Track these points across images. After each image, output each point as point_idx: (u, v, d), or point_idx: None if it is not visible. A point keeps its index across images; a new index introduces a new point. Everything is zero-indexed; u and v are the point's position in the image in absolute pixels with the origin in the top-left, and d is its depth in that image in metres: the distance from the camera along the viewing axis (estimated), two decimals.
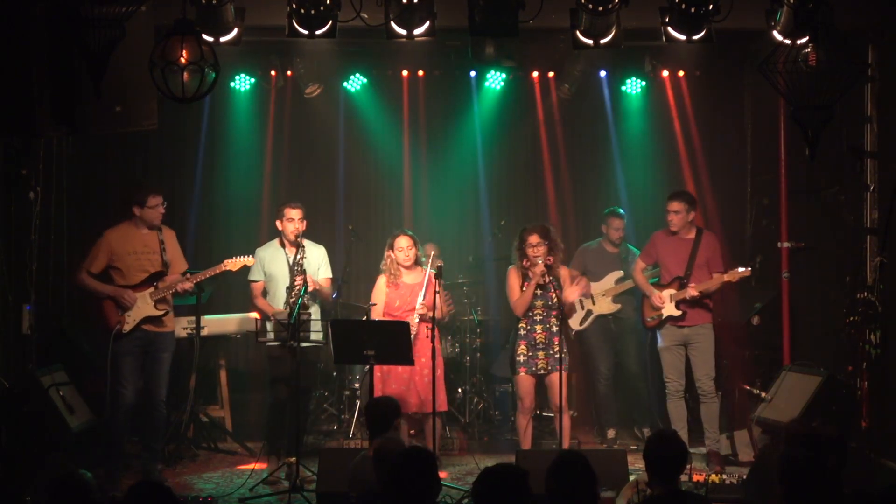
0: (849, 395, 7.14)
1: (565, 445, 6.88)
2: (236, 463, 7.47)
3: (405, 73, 9.04)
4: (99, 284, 6.79)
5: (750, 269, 7.29)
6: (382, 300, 7.09)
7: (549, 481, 3.90)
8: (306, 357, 6.93)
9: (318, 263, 7.20)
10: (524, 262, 6.88)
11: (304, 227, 7.09)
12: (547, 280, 6.85)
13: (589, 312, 8.17)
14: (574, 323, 8.16)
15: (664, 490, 4.23)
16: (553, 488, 3.88)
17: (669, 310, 7.25)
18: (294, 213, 7.08)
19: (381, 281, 7.13)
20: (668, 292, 7.28)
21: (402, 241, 7.01)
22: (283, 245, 7.16)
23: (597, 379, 8.24)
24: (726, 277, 7.17)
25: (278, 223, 7.13)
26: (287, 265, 7.06)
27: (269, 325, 7.05)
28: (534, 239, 6.85)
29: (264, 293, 7.18)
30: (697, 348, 7.26)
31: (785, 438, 4.87)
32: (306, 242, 7.06)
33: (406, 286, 7.03)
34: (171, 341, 7.02)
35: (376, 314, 7.11)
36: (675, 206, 7.28)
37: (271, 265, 7.14)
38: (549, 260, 6.82)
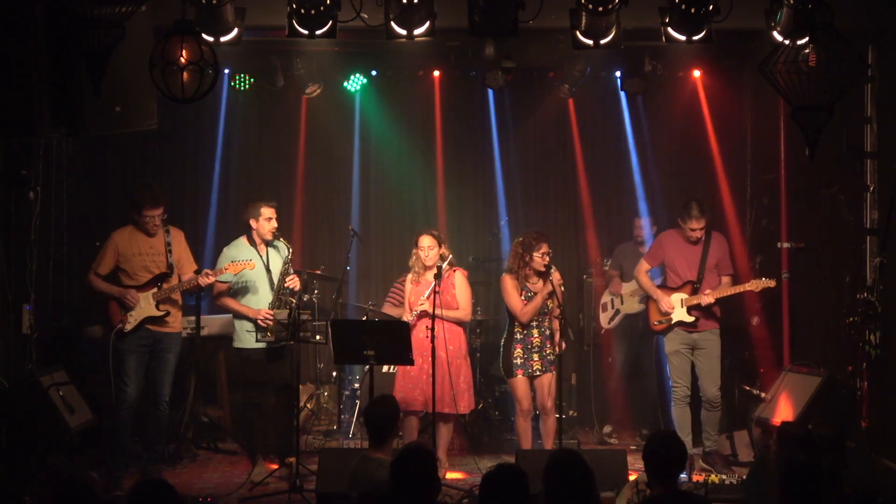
0: (849, 395, 7.14)
1: (548, 447, 6.91)
2: (236, 463, 7.47)
3: (405, 73, 9.04)
4: (106, 285, 6.86)
5: (775, 281, 7.12)
6: (408, 298, 7.17)
7: (546, 480, 3.91)
8: (292, 355, 6.89)
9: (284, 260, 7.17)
10: (527, 270, 6.89)
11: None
12: (541, 286, 6.93)
13: (617, 311, 8.24)
14: (603, 321, 8.31)
15: (664, 490, 4.23)
16: (550, 487, 3.89)
17: (680, 315, 7.11)
18: (272, 212, 7.05)
19: (409, 278, 7.20)
20: (678, 296, 7.14)
21: (424, 241, 7.04)
22: (251, 243, 7.09)
23: (609, 374, 8.29)
24: (749, 287, 7.06)
25: (253, 222, 7.04)
26: (262, 264, 7.03)
27: (250, 326, 6.98)
28: (545, 248, 6.88)
29: (233, 294, 7.10)
30: (705, 355, 7.16)
31: (778, 439, 4.87)
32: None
33: (426, 283, 7.07)
34: (177, 342, 7.04)
35: (406, 311, 7.13)
36: (702, 223, 7.06)
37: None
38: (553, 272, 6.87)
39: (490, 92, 9.04)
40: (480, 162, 9.32)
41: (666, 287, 7.27)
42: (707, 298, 7.03)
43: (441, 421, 6.99)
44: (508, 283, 6.96)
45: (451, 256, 7.03)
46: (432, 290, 6.81)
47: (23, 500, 5.11)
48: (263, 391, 7.10)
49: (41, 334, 7.14)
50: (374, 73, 8.96)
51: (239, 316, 7.06)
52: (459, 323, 7.11)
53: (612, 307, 8.32)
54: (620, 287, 8.29)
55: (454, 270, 7.08)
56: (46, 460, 6.09)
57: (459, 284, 7.08)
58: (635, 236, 8.41)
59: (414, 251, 7.11)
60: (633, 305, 8.22)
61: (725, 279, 7.20)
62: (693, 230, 7.10)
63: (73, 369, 7.01)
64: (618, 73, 8.73)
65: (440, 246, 7.03)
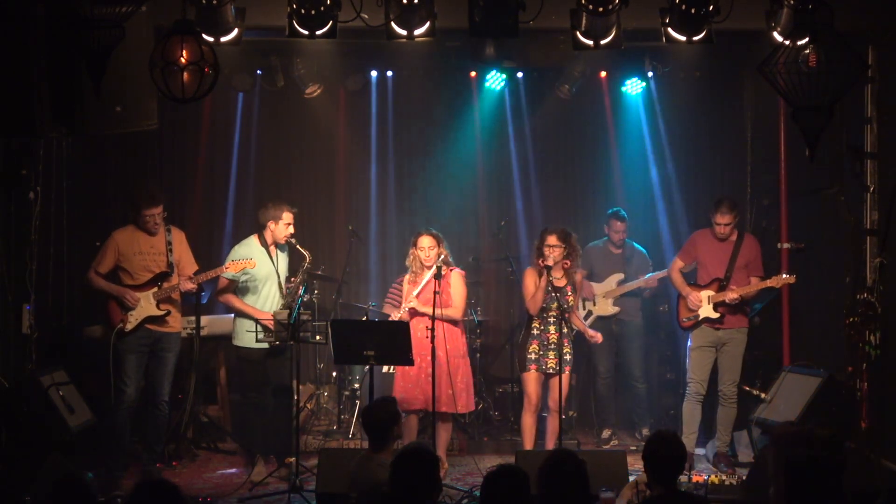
0: (849, 395, 7.14)
1: (550, 446, 6.91)
2: (236, 463, 7.47)
3: (405, 73, 9.04)
4: (106, 284, 6.86)
5: (795, 277, 7.18)
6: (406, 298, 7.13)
7: (541, 481, 3.92)
8: (292, 355, 6.87)
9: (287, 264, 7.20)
10: (539, 261, 6.91)
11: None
12: (564, 283, 6.98)
13: (589, 313, 8.19)
14: (576, 322, 8.21)
15: (664, 490, 4.23)
16: (545, 488, 3.90)
17: (706, 311, 7.20)
18: (291, 218, 7.08)
19: (406, 278, 7.17)
20: (706, 293, 7.23)
21: (425, 241, 7.01)
22: (263, 244, 7.09)
23: (596, 379, 8.27)
24: (770, 283, 7.15)
25: (272, 223, 7.04)
26: (272, 266, 7.04)
27: (250, 326, 6.95)
28: (552, 239, 6.91)
29: (238, 292, 7.09)
30: (728, 352, 7.26)
31: (775, 442, 4.87)
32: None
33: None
34: (177, 341, 7.05)
35: (403, 312, 7.09)
36: (728, 219, 7.20)
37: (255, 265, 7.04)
38: (566, 264, 6.94)
39: (491, 92, 9.04)
40: (481, 162, 9.31)
41: (695, 285, 7.35)
42: (731, 295, 7.11)
43: (440, 420, 6.97)
44: (526, 275, 7.04)
45: (445, 255, 7.04)
46: (428, 289, 6.79)
47: (23, 500, 5.10)
48: (263, 391, 7.09)
49: (41, 334, 7.15)
50: (374, 72, 8.95)
51: (241, 314, 7.06)
52: (453, 322, 7.07)
53: (584, 308, 8.26)
54: (591, 289, 8.22)
55: (450, 270, 7.06)
56: (46, 460, 6.09)
57: (455, 283, 7.06)
58: (612, 238, 8.31)
59: (412, 251, 7.09)
60: (605, 307, 8.18)
61: (754, 280, 7.25)
62: (719, 224, 7.20)
63: (73, 369, 7.01)
64: (618, 74, 8.72)
65: (439, 246, 7.03)
